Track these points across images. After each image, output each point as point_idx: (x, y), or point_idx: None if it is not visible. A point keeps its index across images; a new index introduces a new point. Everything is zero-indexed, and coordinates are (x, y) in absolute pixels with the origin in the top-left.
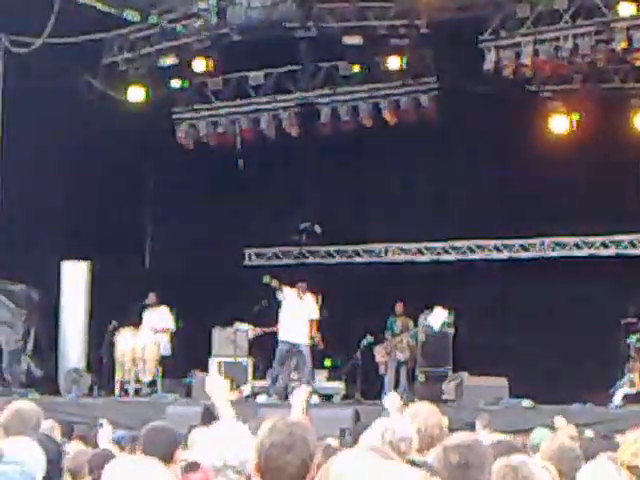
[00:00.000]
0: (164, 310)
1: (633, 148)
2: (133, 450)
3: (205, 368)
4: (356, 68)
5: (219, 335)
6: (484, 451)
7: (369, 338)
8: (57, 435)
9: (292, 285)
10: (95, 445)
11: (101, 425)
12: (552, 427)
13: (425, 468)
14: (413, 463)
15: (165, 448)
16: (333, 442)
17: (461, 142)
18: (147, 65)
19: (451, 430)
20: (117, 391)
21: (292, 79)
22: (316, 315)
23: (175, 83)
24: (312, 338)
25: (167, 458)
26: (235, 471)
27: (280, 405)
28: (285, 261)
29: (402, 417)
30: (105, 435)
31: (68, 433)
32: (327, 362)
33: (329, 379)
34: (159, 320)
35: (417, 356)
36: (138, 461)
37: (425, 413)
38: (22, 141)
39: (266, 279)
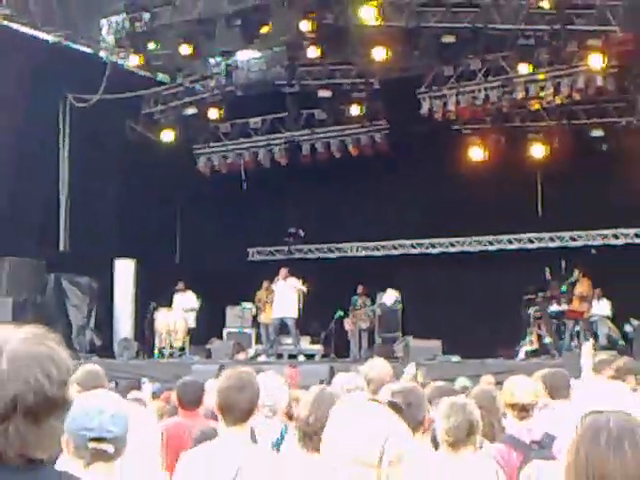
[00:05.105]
0: (190, 294)
1: (530, 169)
2: (167, 397)
3: (221, 337)
4: (328, 114)
5: (230, 312)
6: (422, 394)
7: (340, 312)
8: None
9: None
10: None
11: (144, 382)
12: (471, 377)
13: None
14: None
15: (194, 395)
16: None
17: (405, 168)
18: (175, 114)
19: (399, 379)
20: (156, 354)
21: (281, 123)
22: (302, 287)
23: (195, 127)
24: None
25: (197, 402)
26: (270, 409)
27: (275, 362)
28: (278, 257)
29: (354, 374)
30: (147, 389)
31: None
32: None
33: (311, 343)
34: (187, 301)
35: (375, 325)
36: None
37: (379, 366)
38: (87, 170)
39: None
